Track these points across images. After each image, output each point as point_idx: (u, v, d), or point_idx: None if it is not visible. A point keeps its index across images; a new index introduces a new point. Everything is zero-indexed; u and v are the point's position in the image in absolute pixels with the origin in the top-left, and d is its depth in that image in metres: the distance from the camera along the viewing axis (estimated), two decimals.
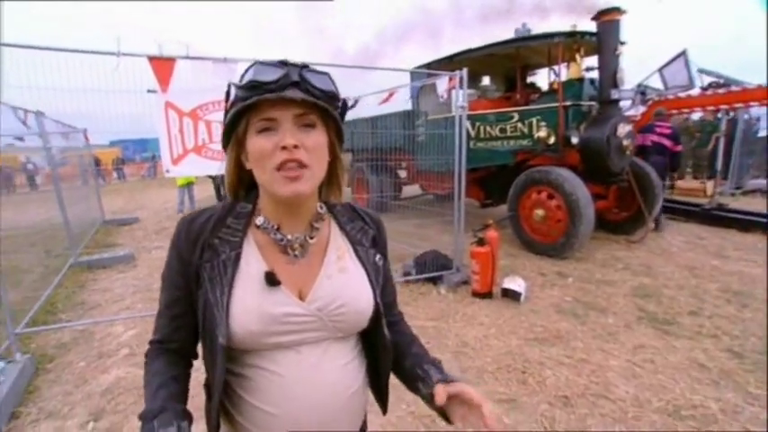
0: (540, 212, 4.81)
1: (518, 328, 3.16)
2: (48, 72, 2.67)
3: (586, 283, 4.02)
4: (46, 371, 2.77)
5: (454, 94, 4.00)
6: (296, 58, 0.76)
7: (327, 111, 0.71)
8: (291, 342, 0.71)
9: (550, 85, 5.88)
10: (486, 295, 3.74)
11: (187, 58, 2.84)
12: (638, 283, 3.99)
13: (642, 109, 7.49)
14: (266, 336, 0.69)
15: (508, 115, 5.45)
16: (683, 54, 6.54)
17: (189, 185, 8.26)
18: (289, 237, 0.75)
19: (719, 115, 8.44)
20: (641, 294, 3.70)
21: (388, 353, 0.82)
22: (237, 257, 0.72)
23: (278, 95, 0.65)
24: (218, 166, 2.99)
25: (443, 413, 0.75)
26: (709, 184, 8.11)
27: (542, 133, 4.95)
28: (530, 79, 6.67)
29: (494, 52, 5.67)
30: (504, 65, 6.20)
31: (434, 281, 4.15)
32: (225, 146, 0.75)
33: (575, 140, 4.84)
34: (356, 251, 0.81)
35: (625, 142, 4.83)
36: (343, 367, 0.76)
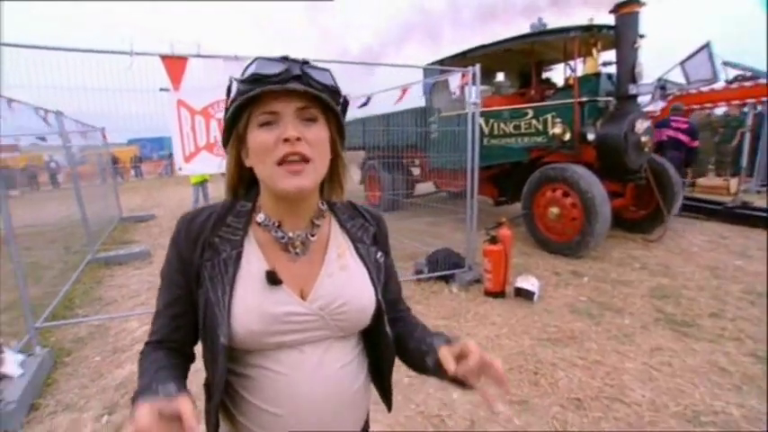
0: (554, 210, 4.72)
1: (531, 328, 3.11)
2: (64, 72, 2.73)
3: (602, 283, 3.93)
4: (64, 364, 2.84)
5: (467, 90, 3.95)
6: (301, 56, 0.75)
7: (329, 106, 0.70)
8: (293, 341, 0.71)
9: (566, 80, 5.77)
10: (499, 294, 3.69)
11: (198, 56, 2.86)
12: (655, 283, 3.88)
13: (662, 104, 7.30)
14: (268, 335, 0.69)
15: (522, 112, 5.36)
16: (706, 46, 6.34)
17: (203, 183, 8.37)
18: (290, 234, 0.74)
19: (745, 109, 8.15)
20: (659, 295, 3.60)
21: (390, 351, 0.82)
22: (238, 256, 0.71)
23: (281, 87, 0.65)
24: None
25: (459, 381, 0.72)
26: (733, 182, 7.83)
27: (557, 130, 4.85)
28: (545, 75, 6.55)
29: (508, 48, 5.58)
30: (519, 60, 6.10)
31: (446, 279, 4.12)
32: (225, 143, 0.74)
33: (591, 137, 4.73)
34: (357, 249, 0.80)
35: (643, 139, 4.70)
36: (345, 366, 0.75)
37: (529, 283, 3.61)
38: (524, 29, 5.68)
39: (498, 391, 0.70)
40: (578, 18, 5.15)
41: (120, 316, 3.46)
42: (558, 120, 4.93)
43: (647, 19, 4.72)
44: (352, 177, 0.88)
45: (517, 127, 5.42)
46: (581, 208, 4.45)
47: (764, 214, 5.76)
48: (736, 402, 2.18)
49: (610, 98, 4.94)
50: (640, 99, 5.07)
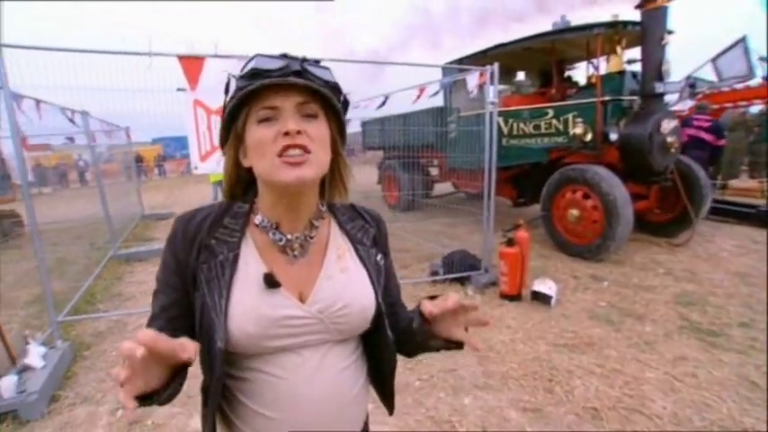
0: (574, 212, 4.60)
1: (547, 333, 3.03)
2: (90, 73, 2.81)
3: (623, 288, 3.80)
4: (83, 357, 2.92)
5: (485, 89, 3.88)
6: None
7: (329, 102, 0.68)
8: (292, 345, 0.69)
9: (588, 79, 5.62)
10: (515, 298, 3.62)
11: (216, 56, 2.90)
12: (680, 289, 3.73)
13: (690, 103, 7.03)
14: (266, 339, 0.67)
15: (542, 111, 5.24)
16: (741, 41, 6.05)
17: (221, 182, 8.54)
18: (288, 236, 0.73)
19: None
20: (684, 302, 3.45)
21: (391, 353, 0.80)
22: (235, 258, 0.69)
23: (282, 79, 0.63)
24: None
25: (451, 343, 0.75)
26: None
27: (578, 130, 4.72)
28: (567, 74, 6.40)
29: (529, 46, 5.47)
30: (540, 59, 5.97)
31: (462, 281, 4.06)
32: (223, 143, 0.73)
33: (613, 137, 4.58)
34: (357, 251, 0.79)
35: (669, 139, 4.52)
36: (344, 370, 0.74)
37: (546, 286, 3.52)
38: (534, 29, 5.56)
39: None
40: (602, 14, 4.99)
41: (138, 312, 3.53)
42: (579, 119, 4.80)
43: (677, 14, 4.55)
44: (354, 177, 0.87)
45: (537, 127, 5.30)
46: (602, 210, 4.32)
47: None
48: None
49: (634, 97, 4.78)
50: (667, 98, 4.89)
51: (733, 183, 8.41)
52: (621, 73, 4.87)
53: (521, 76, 6.91)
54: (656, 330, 3.00)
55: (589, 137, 4.69)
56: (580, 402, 2.23)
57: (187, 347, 0.53)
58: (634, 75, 4.88)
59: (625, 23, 4.70)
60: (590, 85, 5.23)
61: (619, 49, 4.97)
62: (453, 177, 6.68)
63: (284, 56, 0.67)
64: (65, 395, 2.51)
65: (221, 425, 0.75)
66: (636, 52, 4.87)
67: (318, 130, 0.67)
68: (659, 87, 4.51)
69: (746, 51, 6.35)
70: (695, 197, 4.92)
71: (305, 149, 0.64)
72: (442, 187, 7.72)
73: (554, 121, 5.10)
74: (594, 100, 4.71)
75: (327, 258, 0.75)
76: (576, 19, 5.38)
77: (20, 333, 2.90)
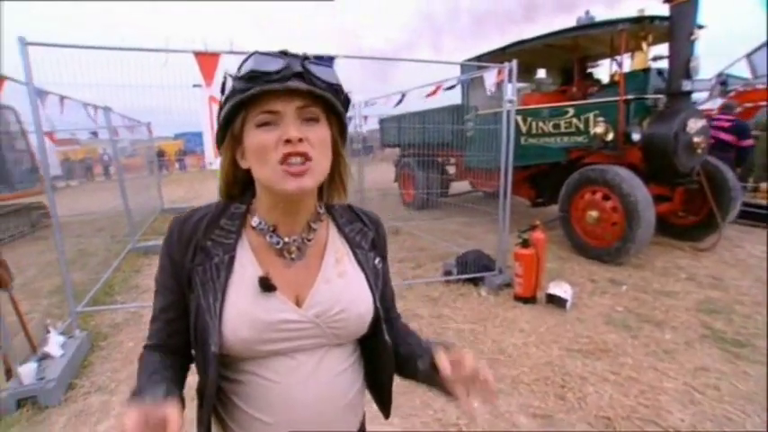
0: (593, 214, 4.47)
1: (561, 337, 2.95)
2: (112, 70, 2.88)
3: (642, 293, 3.68)
4: (100, 348, 3.00)
5: (503, 87, 3.81)
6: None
7: (331, 104, 0.66)
8: (287, 349, 0.68)
9: (611, 76, 5.45)
10: (529, 300, 3.54)
11: (231, 53, 2.91)
12: (704, 296, 3.58)
13: (721, 101, 6.76)
14: (260, 343, 0.66)
15: (562, 110, 5.11)
16: None
17: None
18: (285, 239, 0.71)
19: None
20: (707, 309, 3.31)
21: (389, 358, 0.79)
22: (231, 261, 0.68)
23: (283, 86, 0.61)
24: None
25: (444, 390, 0.71)
26: None
27: (599, 129, 4.58)
28: (589, 71, 6.23)
29: (551, 43, 5.34)
30: (562, 56, 5.83)
31: (476, 282, 4.01)
32: (219, 144, 0.71)
33: (636, 137, 4.43)
34: (355, 254, 0.77)
35: (696, 139, 4.34)
36: (340, 374, 0.73)
37: (561, 289, 3.44)
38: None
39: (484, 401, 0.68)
40: (627, 9, 4.81)
41: None
42: (600, 119, 4.66)
43: (709, 6, 4.35)
44: (353, 176, 0.85)
45: (556, 126, 5.17)
46: (622, 212, 4.19)
47: None
48: None
49: (659, 96, 4.61)
50: (696, 96, 4.70)
51: (765, 186, 8.04)
52: (646, 70, 4.70)
53: (541, 73, 6.77)
54: (677, 338, 2.89)
55: (610, 136, 4.55)
56: (593, 410, 2.17)
57: (167, 412, 0.54)
58: (660, 72, 4.71)
59: (652, 18, 4.53)
60: (613, 84, 5.07)
61: (644, 46, 4.81)
62: (470, 176, 6.60)
63: (284, 54, 0.64)
64: (81, 384, 2.58)
65: (217, 427, 0.75)
66: (663, 48, 4.70)
67: (320, 135, 0.65)
68: (686, 85, 4.33)
69: None
70: (723, 200, 4.73)
71: (306, 157, 0.62)
72: (460, 186, 7.64)
73: (574, 120, 4.96)
74: (617, 98, 4.56)
75: (325, 262, 0.74)
76: (601, 14, 5.20)
77: (41, 322, 3.00)
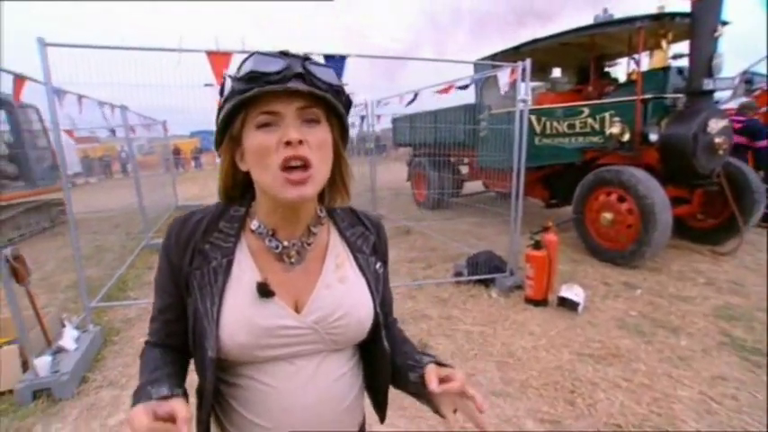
0: (608, 216, 4.38)
1: (572, 341, 2.90)
2: (129, 69, 2.93)
3: (657, 297, 3.58)
4: (112, 342, 3.06)
5: (517, 86, 3.75)
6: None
7: (332, 106, 0.65)
8: (286, 354, 0.68)
9: (629, 75, 5.32)
10: (541, 303, 3.49)
11: (243, 52, 2.93)
12: (723, 302, 3.47)
13: (744, 101, 6.53)
14: (257, 349, 0.66)
15: (577, 110, 5.01)
16: None
17: None
18: (284, 243, 0.70)
19: None
20: (726, 316, 3.21)
21: (386, 363, 0.78)
22: (229, 265, 0.68)
23: (283, 87, 0.60)
24: None
25: (432, 403, 0.73)
26: None
27: (615, 129, 4.48)
28: (606, 70, 6.10)
29: (566, 41, 5.24)
30: (578, 55, 5.72)
31: (486, 283, 3.97)
32: (218, 145, 0.70)
33: (653, 137, 4.32)
34: (356, 259, 0.76)
35: (717, 140, 4.21)
36: (339, 379, 0.72)
37: (573, 292, 3.37)
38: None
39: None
40: (646, 6, 4.68)
41: None
42: (616, 119, 4.55)
43: (734, 2, 4.20)
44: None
45: (571, 126, 5.08)
46: (638, 214, 4.09)
47: None
48: None
49: (679, 95, 4.48)
50: (719, 95, 4.55)
51: None
52: (666, 69, 4.58)
53: (556, 72, 6.66)
54: (693, 345, 2.81)
55: (626, 137, 4.45)
56: (602, 417, 2.12)
57: (175, 407, 0.56)
58: (680, 71, 4.58)
59: (673, 15, 4.40)
60: (630, 83, 4.95)
61: (664, 44, 4.69)
62: (483, 176, 6.54)
63: (285, 54, 0.63)
64: (93, 377, 2.64)
65: (216, 428, 0.75)
66: (684, 46, 4.57)
67: (321, 137, 0.64)
68: (708, 84, 4.20)
69: None
70: (745, 202, 4.57)
71: (306, 162, 0.61)
72: (473, 186, 7.58)
73: (589, 120, 4.87)
74: (634, 98, 4.46)
75: (326, 266, 0.73)
76: (620, 11, 5.08)
77: (57, 316, 3.07)
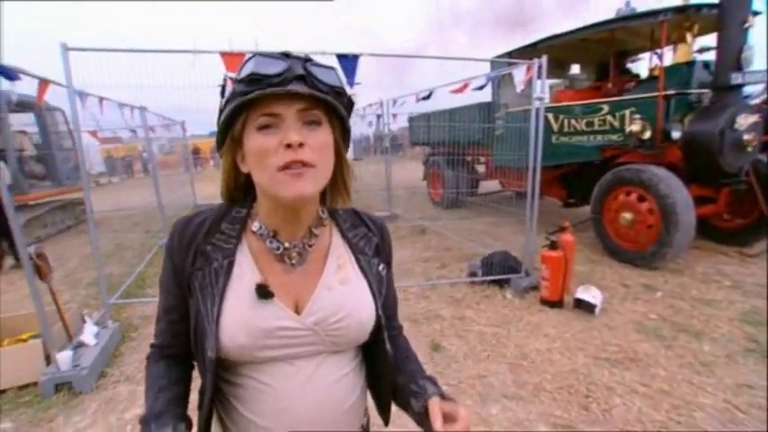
0: (627, 216, 4.25)
1: (588, 344, 2.83)
2: (147, 72, 3.00)
3: (679, 300, 3.46)
4: (130, 338, 3.13)
5: (533, 84, 3.68)
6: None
7: (333, 107, 0.64)
8: (285, 355, 0.68)
9: (650, 71, 5.16)
10: (556, 304, 3.42)
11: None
12: (750, 306, 3.33)
13: None
14: (257, 350, 0.66)
15: (596, 107, 4.88)
16: None
17: None
18: (286, 244, 0.71)
19: None
20: (754, 321, 3.07)
21: (389, 366, 0.78)
22: (230, 266, 0.68)
23: (284, 89, 0.59)
24: None
25: None
26: None
27: (636, 127, 4.34)
28: (628, 66, 5.93)
29: (585, 37, 5.11)
30: (597, 50, 5.58)
31: (501, 284, 3.91)
32: (219, 147, 0.70)
33: (676, 135, 4.17)
34: (358, 261, 0.76)
35: (746, 137, 4.03)
36: (340, 380, 0.72)
37: (590, 294, 3.29)
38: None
39: None
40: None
41: None
42: (637, 116, 4.42)
43: None
44: (356, 179, 0.83)
45: (590, 124, 4.96)
46: (659, 214, 3.96)
47: None
48: None
49: (704, 90, 4.32)
50: (749, 89, 4.36)
51: None
52: (690, 63, 4.42)
53: (575, 69, 6.51)
54: (716, 351, 2.70)
55: (647, 134, 4.31)
56: (618, 423, 2.06)
57: None
58: (706, 65, 4.41)
59: (698, 6, 4.24)
60: (652, 78, 4.80)
61: (689, 37, 4.51)
62: (500, 175, 6.45)
63: (286, 55, 0.63)
64: (111, 372, 2.71)
65: (218, 428, 0.75)
66: (710, 39, 4.40)
67: (322, 140, 0.64)
68: (736, 78, 4.02)
69: None
70: None
71: (307, 165, 0.61)
72: (489, 185, 7.50)
73: (609, 118, 4.74)
74: (656, 94, 4.32)
75: (327, 268, 0.73)
76: (643, 4, 4.92)
77: (78, 312, 3.16)
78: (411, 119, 8.94)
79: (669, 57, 4.82)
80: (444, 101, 5.42)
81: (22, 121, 7.35)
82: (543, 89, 3.66)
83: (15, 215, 2.38)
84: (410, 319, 3.30)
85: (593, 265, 4.39)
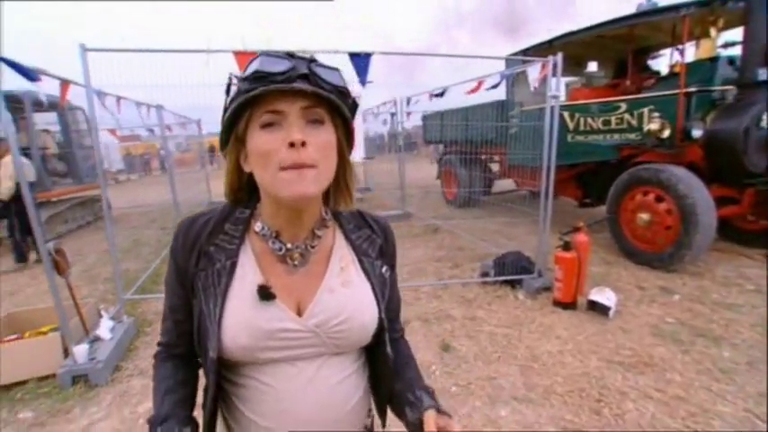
0: (644, 216, 4.15)
1: (601, 347, 2.77)
2: (165, 71, 3.05)
3: (698, 304, 3.36)
4: (145, 333, 3.20)
5: (547, 82, 3.62)
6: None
7: (337, 107, 0.64)
8: (286, 357, 0.68)
9: (671, 68, 5.02)
10: (569, 306, 3.36)
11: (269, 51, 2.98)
12: None
13: None
14: (258, 351, 0.67)
15: (613, 105, 4.77)
16: None
17: None
18: (288, 245, 0.71)
19: None
20: None
21: (389, 370, 0.78)
22: (233, 267, 0.69)
23: (287, 86, 0.59)
24: None
25: None
26: None
27: (654, 125, 4.23)
28: (647, 63, 5.78)
29: (603, 33, 5.00)
30: (615, 47, 5.45)
31: (513, 284, 3.87)
32: (223, 147, 0.70)
33: (697, 133, 4.04)
34: (361, 263, 0.75)
35: None
36: (341, 382, 0.72)
37: (604, 296, 3.22)
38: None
39: None
40: None
41: None
42: (655, 114, 4.30)
43: None
44: (359, 181, 0.83)
45: (606, 122, 4.85)
46: (678, 215, 3.85)
47: None
48: None
49: (729, 87, 4.18)
50: None
51: None
52: (714, 59, 4.28)
53: (592, 66, 6.38)
54: (737, 357, 2.61)
55: (666, 133, 4.19)
56: (631, 429, 2.01)
57: None
58: (731, 61, 4.27)
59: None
60: (673, 75, 4.66)
61: (713, 32, 4.36)
62: (514, 174, 6.38)
63: (291, 55, 0.63)
64: (125, 366, 2.77)
65: (222, 426, 0.76)
66: (734, 34, 4.25)
67: (324, 139, 0.63)
68: (763, 74, 3.88)
69: None
70: None
71: (309, 165, 0.61)
72: (504, 184, 7.42)
73: (626, 116, 4.62)
74: (677, 92, 4.19)
75: (330, 270, 0.72)
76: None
77: (95, 306, 3.24)
78: (425, 117, 8.90)
79: (691, 53, 4.69)
80: (458, 99, 5.38)
81: (46, 120, 7.55)
82: (558, 87, 3.59)
83: (38, 211, 2.45)
84: (421, 319, 3.29)
85: (609, 266, 4.30)
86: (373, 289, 0.74)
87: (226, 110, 0.66)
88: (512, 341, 2.92)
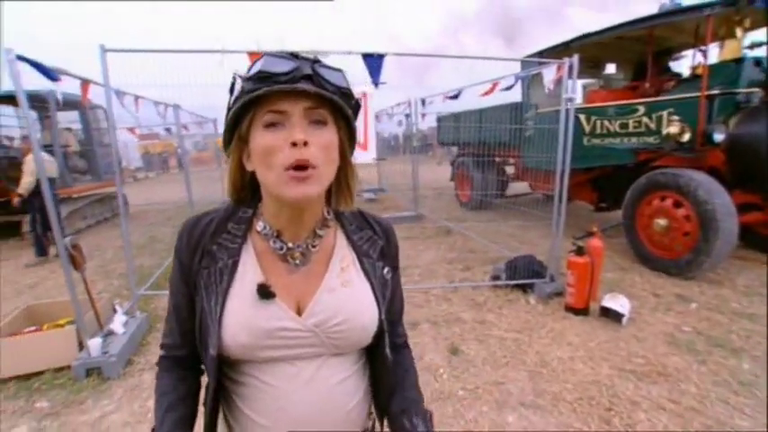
0: (661, 222, 4.05)
1: (613, 355, 2.71)
2: (181, 71, 3.10)
3: (716, 313, 3.26)
4: (157, 329, 3.25)
5: (563, 84, 3.56)
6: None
7: (339, 108, 0.65)
8: (286, 356, 0.68)
9: (693, 69, 4.88)
10: (581, 312, 3.30)
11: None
12: None
13: None
14: (257, 349, 0.67)
15: (631, 108, 4.67)
16: None
17: None
18: (289, 245, 0.71)
19: None
20: None
21: (388, 373, 0.77)
22: (234, 266, 0.69)
23: (290, 87, 0.60)
24: None
25: None
26: None
27: (673, 129, 4.12)
28: (668, 65, 5.64)
29: (622, 35, 4.90)
30: (635, 49, 5.34)
31: (525, 288, 3.82)
32: (226, 146, 0.71)
33: (718, 137, 3.92)
34: (362, 263, 0.75)
35: None
36: (340, 383, 0.72)
37: (617, 302, 3.15)
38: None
39: None
40: None
41: None
42: (675, 117, 4.19)
43: None
44: (360, 182, 0.84)
45: (624, 125, 4.75)
46: (696, 221, 3.75)
47: None
48: None
49: (755, 89, 4.05)
50: None
51: None
52: (739, 60, 4.14)
53: (611, 68, 6.26)
54: (757, 369, 2.52)
55: (686, 137, 4.08)
56: None
57: None
58: (758, 62, 4.13)
59: None
60: (695, 77, 4.53)
61: (739, 32, 4.23)
62: (529, 177, 6.30)
63: (295, 56, 0.63)
64: (137, 360, 2.82)
65: (223, 424, 0.77)
66: (762, 34, 4.12)
67: (327, 139, 0.64)
68: None
69: None
70: None
71: (310, 165, 0.61)
72: (518, 187, 7.34)
73: (644, 119, 4.52)
74: (697, 94, 4.08)
75: (330, 270, 0.73)
76: None
77: (110, 301, 3.31)
78: (439, 118, 8.87)
79: (714, 54, 4.55)
80: (472, 101, 5.34)
81: (68, 119, 7.77)
82: (574, 89, 3.53)
83: (58, 207, 2.52)
84: (430, 321, 3.27)
85: (623, 272, 4.21)
86: (373, 290, 0.74)
87: (229, 109, 0.66)
88: (521, 346, 2.88)
